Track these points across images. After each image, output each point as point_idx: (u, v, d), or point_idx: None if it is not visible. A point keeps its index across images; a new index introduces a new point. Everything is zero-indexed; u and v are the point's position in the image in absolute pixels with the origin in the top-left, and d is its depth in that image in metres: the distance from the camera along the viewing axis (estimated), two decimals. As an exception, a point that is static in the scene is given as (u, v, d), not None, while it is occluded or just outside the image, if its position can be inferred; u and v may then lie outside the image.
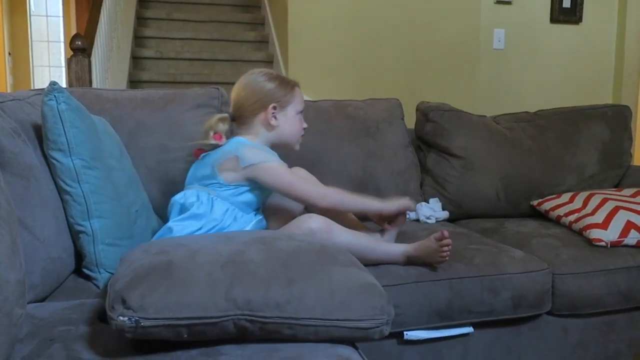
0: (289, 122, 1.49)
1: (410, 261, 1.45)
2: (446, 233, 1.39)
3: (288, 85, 1.50)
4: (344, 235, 1.36)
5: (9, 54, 6.74)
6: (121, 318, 0.85)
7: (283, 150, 1.53)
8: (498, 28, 3.68)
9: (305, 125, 1.54)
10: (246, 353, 0.89)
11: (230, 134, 1.50)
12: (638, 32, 3.67)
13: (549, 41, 3.75)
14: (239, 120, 1.50)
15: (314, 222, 1.35)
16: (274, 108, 1.47)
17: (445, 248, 1.40)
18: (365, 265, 1.11)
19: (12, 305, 0.80)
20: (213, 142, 1.44)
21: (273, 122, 1.47)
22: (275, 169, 1.42)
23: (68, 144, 1.23)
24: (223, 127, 1.47)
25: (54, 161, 1.24)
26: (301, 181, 1.47)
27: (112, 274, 1.27)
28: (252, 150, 1.42)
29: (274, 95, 1.47)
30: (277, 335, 0.92)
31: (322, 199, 1.44)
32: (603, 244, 1.65)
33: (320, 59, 3.94)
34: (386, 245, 1.47)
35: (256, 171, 1.40)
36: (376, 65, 3.85)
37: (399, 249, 1.45)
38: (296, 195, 1.44)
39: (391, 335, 1.45)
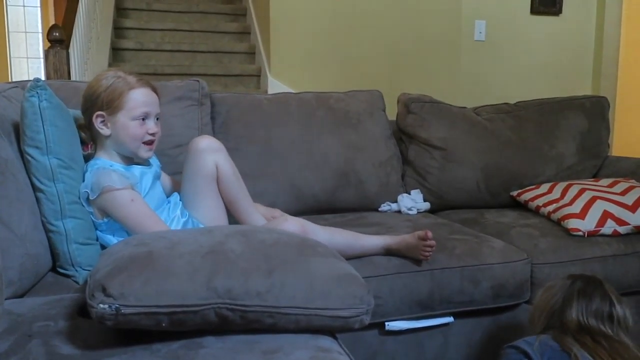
0: (121, 130, 1.33)
1: (389, 253, 1.46)
2: (430, 234, 1.40)
3: (119, 90, 1.33)
4: (320, 235, 1.35)
5: (-15, 45, 6.61)
6: (101, 306, 0.85)
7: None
8: (479, 19, 3.69)
9: (153, 130, 1.36)
10: (227, 345, 0.89)
11: (90, 139, 1.40)
12: (617, 24, 3.71)
13: (530, 32, 3.78)
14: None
15: (290, 226, 1.34)
16: (98, 117, 1.33)
17: (428, 248, 1.41)
18: (347, 259, 1.12)
19: (-12, 302, 0.79)
20: (84, 153, 1.37)
21: (103, 131, 1.33)
22: (114, 199, 1.27)
23: (46, 142, 1.22)
24: (85, 135, 1.38)
25: (30, 158, 1.23)
26: (144, 219, 1.28)
27: (90, 270, 1.26)
28: (95, 176, 1.28)
29: (98, 104, 1.32)
30: (258, 324, 0.92)
31: None
32: (580, 233, 1.67)
33: (302, 50, 3.92)
34: (365, 239, 1.47)
35: (102, 202, 1.27)
36: (358, 57, 3.85)
37: (379, 242, 1.46)
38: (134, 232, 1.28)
39: (372, 326, 1.46)
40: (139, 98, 1.35)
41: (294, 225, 1.35)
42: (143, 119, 1.35)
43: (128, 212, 1.28)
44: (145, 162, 1.43)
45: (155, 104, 1.39)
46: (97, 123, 1.34)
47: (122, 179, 1.29)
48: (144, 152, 1.38)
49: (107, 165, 1.33)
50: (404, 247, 1.44)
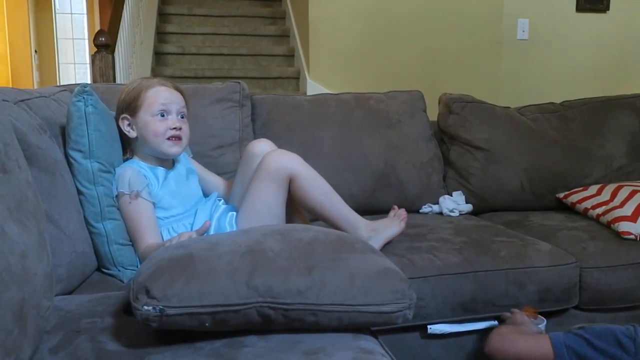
0: (143, 128, 1.36)
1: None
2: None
3: (138, 90, 1.37)
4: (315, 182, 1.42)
5: (35, 51, 6.87)
6: (146, 308, 0.86)
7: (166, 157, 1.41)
8: (522, 18, 3.61)
9: (175, 123, 1.37)
10: (269, 344, 0.89)
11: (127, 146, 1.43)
12: (668, 20, 3.57)
13: (575, 31, 3.68)
14: None
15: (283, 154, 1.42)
16: (124, 119, 1.37)
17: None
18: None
19: (40, 298, 0.81)
20: (124, 158, 1.40)
21: (130, 134, 1.37)
22: (120, 203, 1.30)
23: (89, 146, 1.26)
24: (126, 143, 1.41)
25: (73, 161, 1.27)
26: (139, 225, 1.30)
27: (132, 270, 1.29)
28: (118, 177, 1.31)
29: (122, 107, 1.37)
30: (300, 323, 0.92)
31: (140, 254, 1.29)
32: (632, 237, 1.61)
33: (341, 51, 3.92)
34: (350, 213, 1.46)
35: (118, 203, 1.31)
36: (397, 57, 3.82)
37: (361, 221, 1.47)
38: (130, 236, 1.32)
39: (414, 329, 1.44)
40: (156, 94, 1.37)
41: (286, 153, 1.41)
42: (162, 115, 1.36)
43: (128, 215, 1.30)
44: (171, 165, 1.43)
45: (176, 101, 1.39)
46: (124, 126, 1.37)
47: (136, 180, 1.30)
48: (168, 147, 1.37)
49: (131, 164, 1.36)
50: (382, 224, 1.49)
